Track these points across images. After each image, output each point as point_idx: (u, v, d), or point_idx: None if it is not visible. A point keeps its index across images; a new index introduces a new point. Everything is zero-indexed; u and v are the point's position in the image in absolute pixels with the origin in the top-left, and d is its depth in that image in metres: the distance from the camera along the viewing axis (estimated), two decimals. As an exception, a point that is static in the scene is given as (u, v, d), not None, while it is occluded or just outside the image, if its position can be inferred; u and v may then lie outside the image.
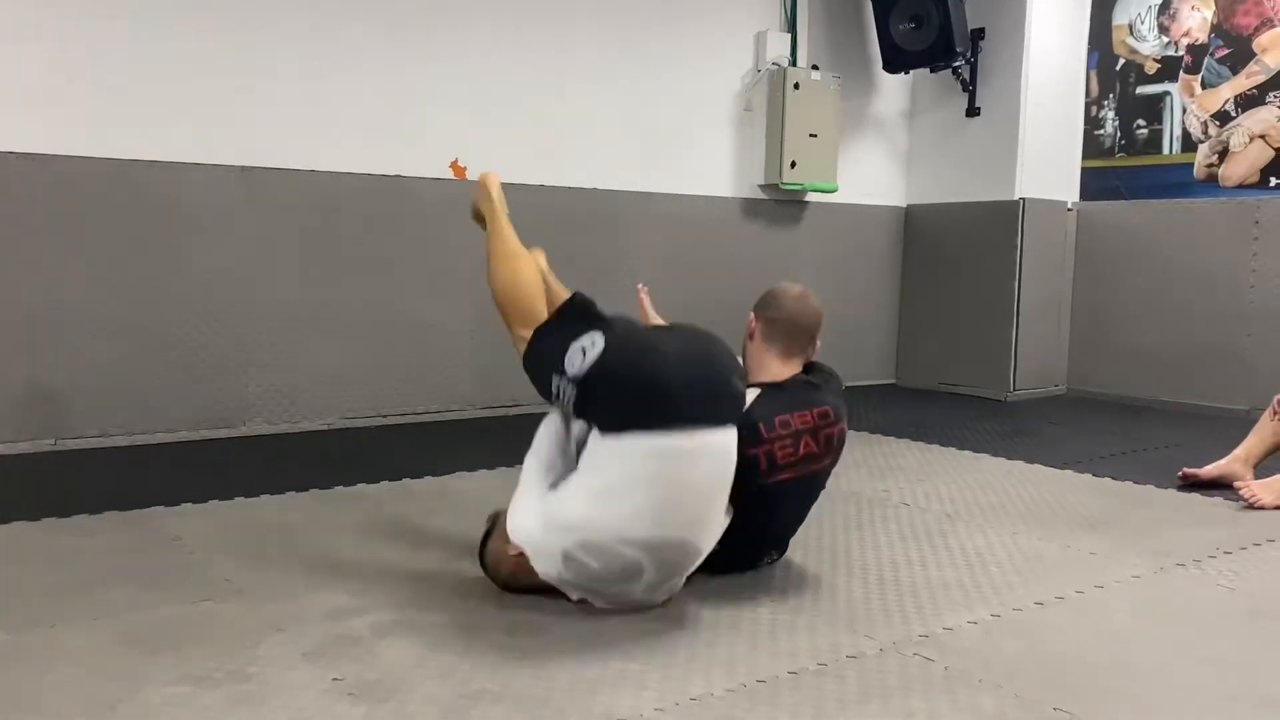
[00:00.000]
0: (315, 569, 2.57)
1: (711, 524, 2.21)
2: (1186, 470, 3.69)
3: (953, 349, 6.20)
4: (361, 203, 4.58)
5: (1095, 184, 6.06)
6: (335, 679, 1.91)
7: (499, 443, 4.28)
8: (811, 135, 5.71)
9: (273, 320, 4.41)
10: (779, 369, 2.60)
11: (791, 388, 2.54)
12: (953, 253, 6.21)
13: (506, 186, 5.10)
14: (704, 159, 5.64)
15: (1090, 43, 6.04)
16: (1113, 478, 3.75)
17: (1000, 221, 5.91)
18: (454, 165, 4.81)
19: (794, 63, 5.80)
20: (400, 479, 3.56)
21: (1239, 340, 5.39)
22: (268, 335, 4.40)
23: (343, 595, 2.37)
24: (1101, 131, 6.02)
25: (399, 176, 4.65)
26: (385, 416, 4.71)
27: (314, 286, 4.50)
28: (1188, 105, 5.64)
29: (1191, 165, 5.63)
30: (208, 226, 4.23)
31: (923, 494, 3.49)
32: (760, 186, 5.82)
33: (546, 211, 5.08)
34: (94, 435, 4.04)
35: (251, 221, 4.33)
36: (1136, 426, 5.00)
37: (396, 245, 4.69)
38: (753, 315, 2.74)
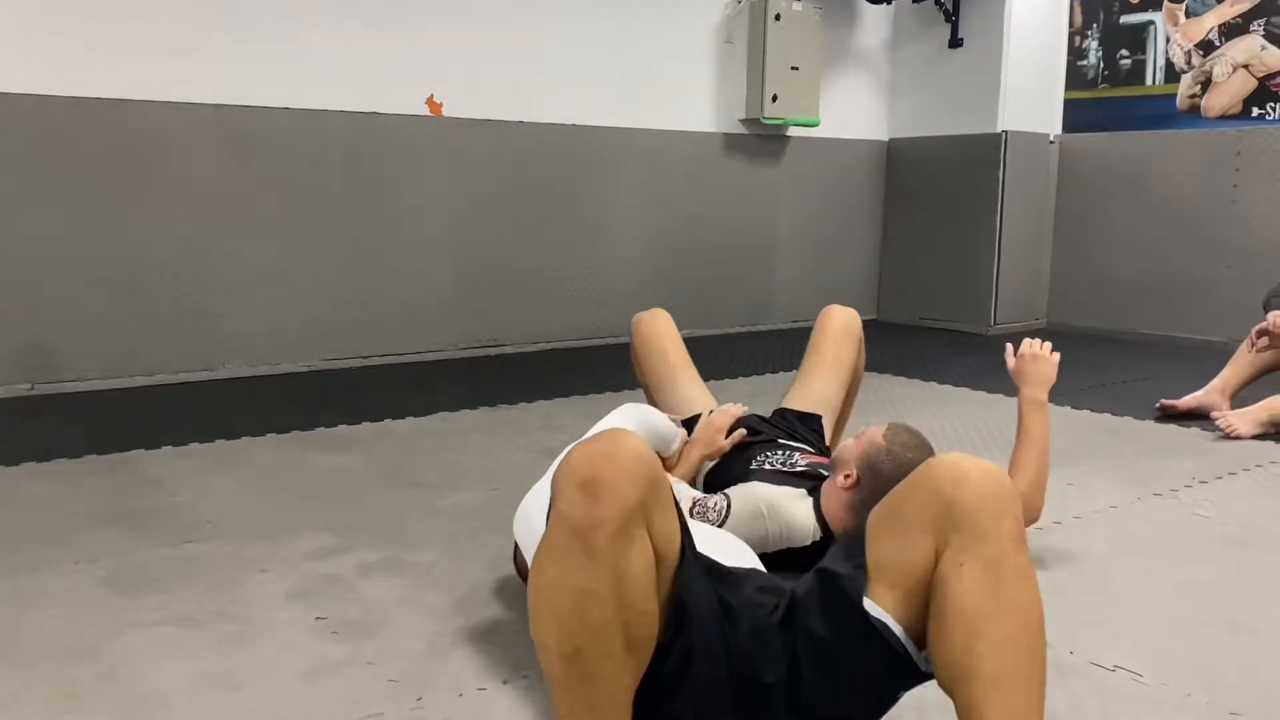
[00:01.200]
0: (298, 510, 2.57)
1: None
2: (1164, 401, 3.72)
3: (934, 283, 6.20)
4: (338, 140, 4.51)
5: (1077, 116, 6.02)
6: (319, 618, 1.92)
7: (481, 383, 4.28)
8: (793, 68, 5.64)
9: (250, 260, 4.36)
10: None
11: None
12: (935, 187, 6.18)
13: (485, 123, 5.08)
14: (684, 93, 5.56)
15: (1074, -29, 5.97)
16: (1091, 410, 3.78)
17: (982, 155, 5.88)
18: (430, 101, 4.73)
19: (775, -7, 5.70)
20: (382, 420, 3.56)
21: (1218, 271, 5.41)
22: (245, 276, 4.36)
23: (326, 535, 2.38)
24: (1084, 62, 5.97)
25: (375, 113, 4.58)
26: (366, 358, 4.68)
27: (291, 226, 4.44)
28: (1171, 35, 5.58)
29: (1174, 96, 5.59)
30: (182, 165, 4.16)
31: (903, 428, 3.50)
32: (741, 121, 5.75)
33: (525, 148, 5.03)
34: (71, 379, 4.01)
35: (227, 160, 4.26)
36: (1115, 358, 5.03)
37: (374, 183, 4.63)
38: (856, 470, 1.98)
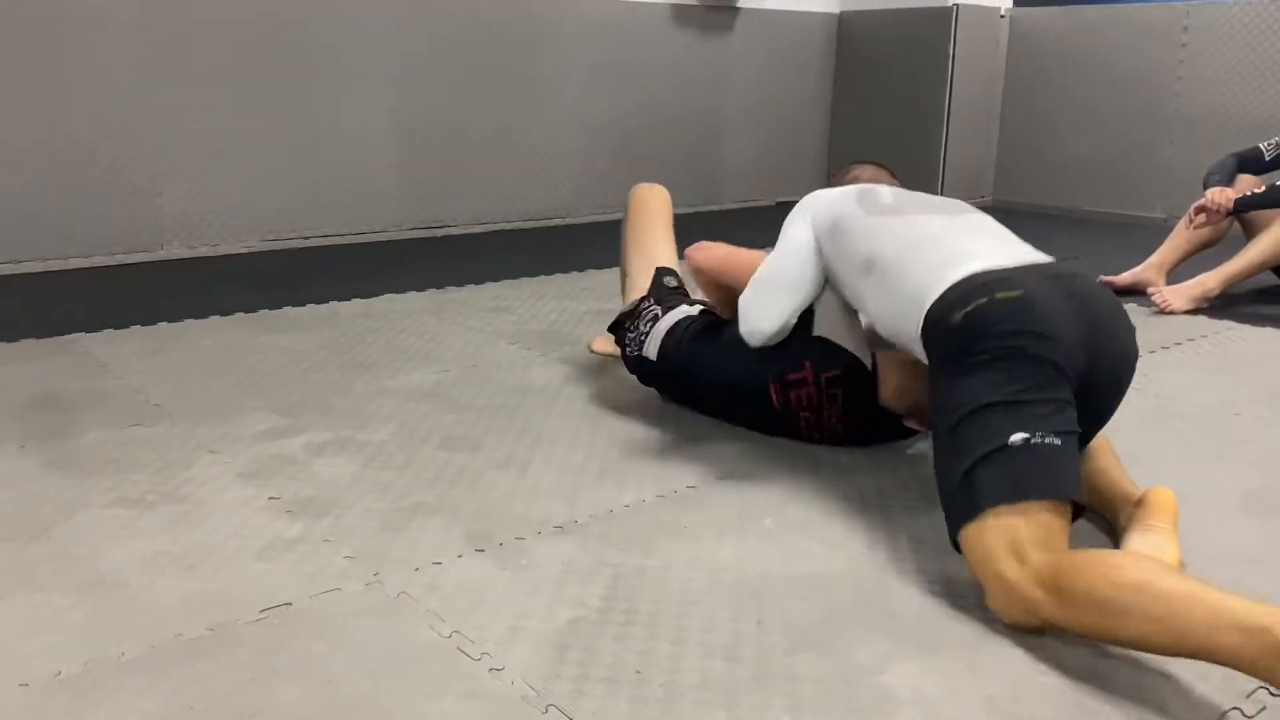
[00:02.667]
0: (246, 392, 2.56)
1: None
2: (1102, 277, 3.79)
3: (882, 161, 6.18)
4: (272, 11, 4.33)
5: (1029, -11, 5.96)
6: (272, 498, 1.93)
7: (428, 264, 4.24)
8: (743, -63, 5.48)
9: (184, 136, 4.22)
10: None
11: None
12: (885, 62, 6.11)
13: (424, -7, 4.81)
14: (631, -37, 5.40)
15: None
16: (1033, 287, 3.84)
17: (933, 29, 5.81)
18: (367, -30, 4.55)
19: None
20: (327, 301, 3.52)
21: (1161, 148, 5.46)
22: (180, 152, 4.22)
23: (275, 417, 2.37)
24: (1038, -67, 5.87)
25: (309, -18, 4.40)
26: (307, 238, 4.60)
27: (226, 102, 4.29)
28: (1125, -95, 5.50)
29: (1125, -31, 5.55)
30: (107, 39, 3.98)
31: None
32: (690, -8, 5.62)
33: (467, 21, 4.87)
34: (3, 261, 3.90)
35: (155, 34, 4.07)
36: (1058, 235, 5.10)
37: (311, 56, 4.47)
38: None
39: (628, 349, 2.44)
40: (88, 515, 1.85)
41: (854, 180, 2.36)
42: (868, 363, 2.11)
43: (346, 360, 2.85)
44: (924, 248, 1.83)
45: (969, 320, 1.62)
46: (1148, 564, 1.37)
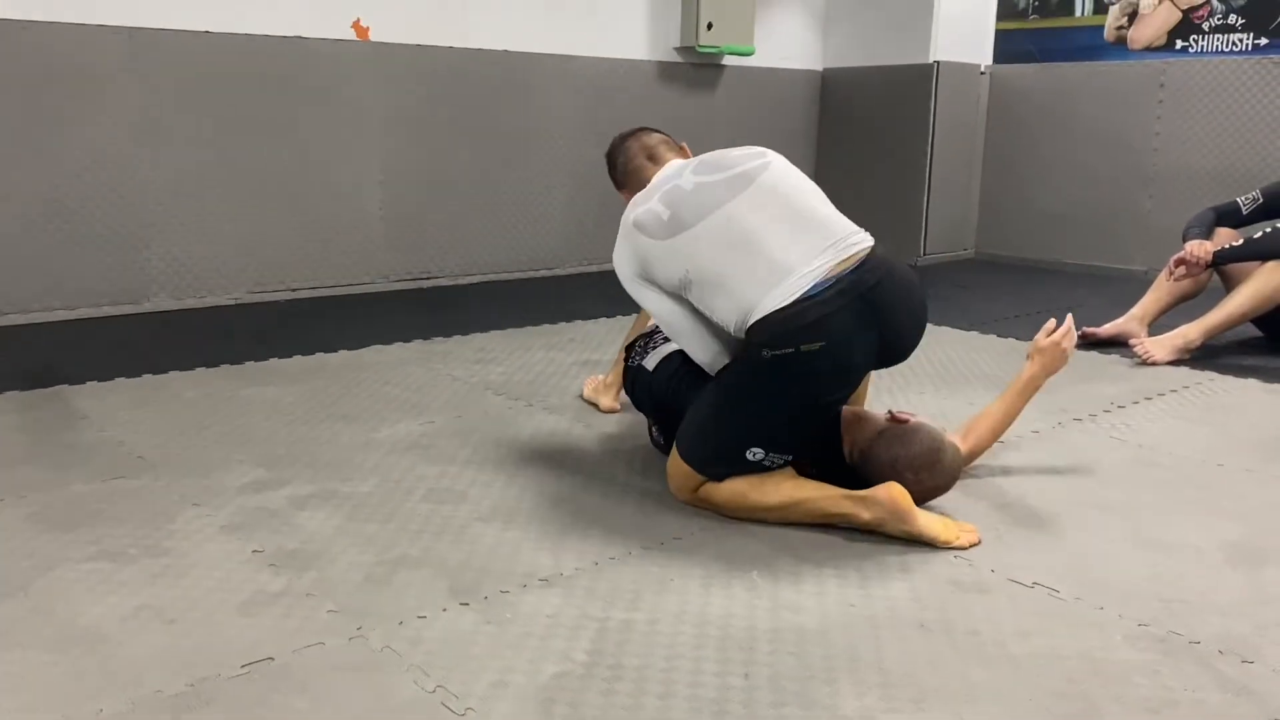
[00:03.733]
0: (230, 444, 2.54)
1: None
2: (1085, 329, 3.82)
3: (865, 214, 6.17)
4: (260, 65, 4.36)
5: (1008, 46, 6.06)
6: (255, 551, 1.92)
7: (414, 316, 4.24)
8: (727, -5, 5.58)
9: (170, 190, 4.23)
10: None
11: None
12: (867, 117, 6.20)
13: (414, 49, 4.96)
14: (618, 20, 5.47)
15: (1007, -100, 5.96)
16: (1016, 338, 3.87)
17: (915, 85, 5.90)
18: (356, 25, 4.60)
19: (709, -82, 5.61)
20: (313, 353, 3.51)
21: (1140, 202, 5.54)
22: (166, 206, 4.23)
23: (259, 469, 2.36)
24: (1016, -7, 6.00)
25: (299, 38, 4.44)
26: (295, 290, 4.60)
27: (214, 155, 4.31)
28: (1100, -34, 5.63)
29: (1102, 27, 5.66)
30: (94, 91, 4.00)
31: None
32: (676, 49, 5.69)
33: (458, 76, 4.93)
34: (-12, 314, 3.89)
35: (142, 86, 4.10)
36: (1040, 288, 5.15)
37: (299, 109, 4.51)
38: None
39: (631, 360, 2.52)
40: (68, 569, 1.83)
41: (625, 166, 2.60)
42: None
43: (331, 412, 2.85)
44: (729, 262, 2.03)
45: (776, 360, 1.96)
46: (751, 494, 2.05)
